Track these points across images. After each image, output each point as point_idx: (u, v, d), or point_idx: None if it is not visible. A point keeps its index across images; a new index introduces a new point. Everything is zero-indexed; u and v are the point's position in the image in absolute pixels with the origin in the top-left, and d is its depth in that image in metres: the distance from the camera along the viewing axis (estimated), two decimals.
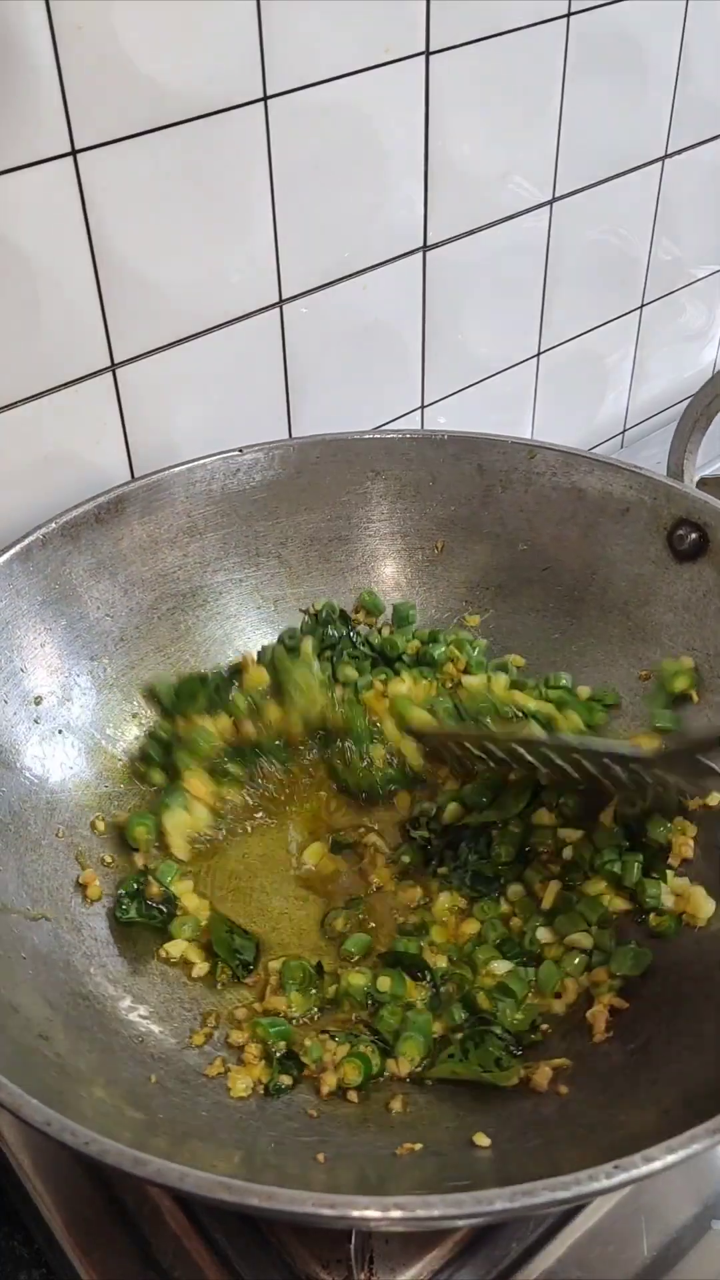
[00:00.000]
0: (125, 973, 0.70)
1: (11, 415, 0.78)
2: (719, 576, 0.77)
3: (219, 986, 0.71)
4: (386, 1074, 0.66)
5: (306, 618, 0.88)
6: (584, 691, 0.83)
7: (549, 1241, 0.63)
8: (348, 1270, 0.60)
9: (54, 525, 0.77)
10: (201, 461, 0.82)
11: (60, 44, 0.68)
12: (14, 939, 0.66)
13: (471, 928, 0.73)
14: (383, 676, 0.84)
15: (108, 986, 0.68)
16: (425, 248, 0.94)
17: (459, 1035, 0.67)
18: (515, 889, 0.75)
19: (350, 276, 0.91)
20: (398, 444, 0.87)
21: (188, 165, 0.77)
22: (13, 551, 0.75)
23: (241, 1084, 0.64)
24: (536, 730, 0.77)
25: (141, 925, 0.72)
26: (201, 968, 0.71)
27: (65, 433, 0.82)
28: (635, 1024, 0.66)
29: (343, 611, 0.88)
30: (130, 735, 0.81)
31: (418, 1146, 0.59)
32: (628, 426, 1.27)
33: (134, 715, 0.81)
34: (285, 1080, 0.64)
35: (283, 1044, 0.66)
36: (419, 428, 1.04)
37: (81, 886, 0.73)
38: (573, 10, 0.91)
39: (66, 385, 0.80)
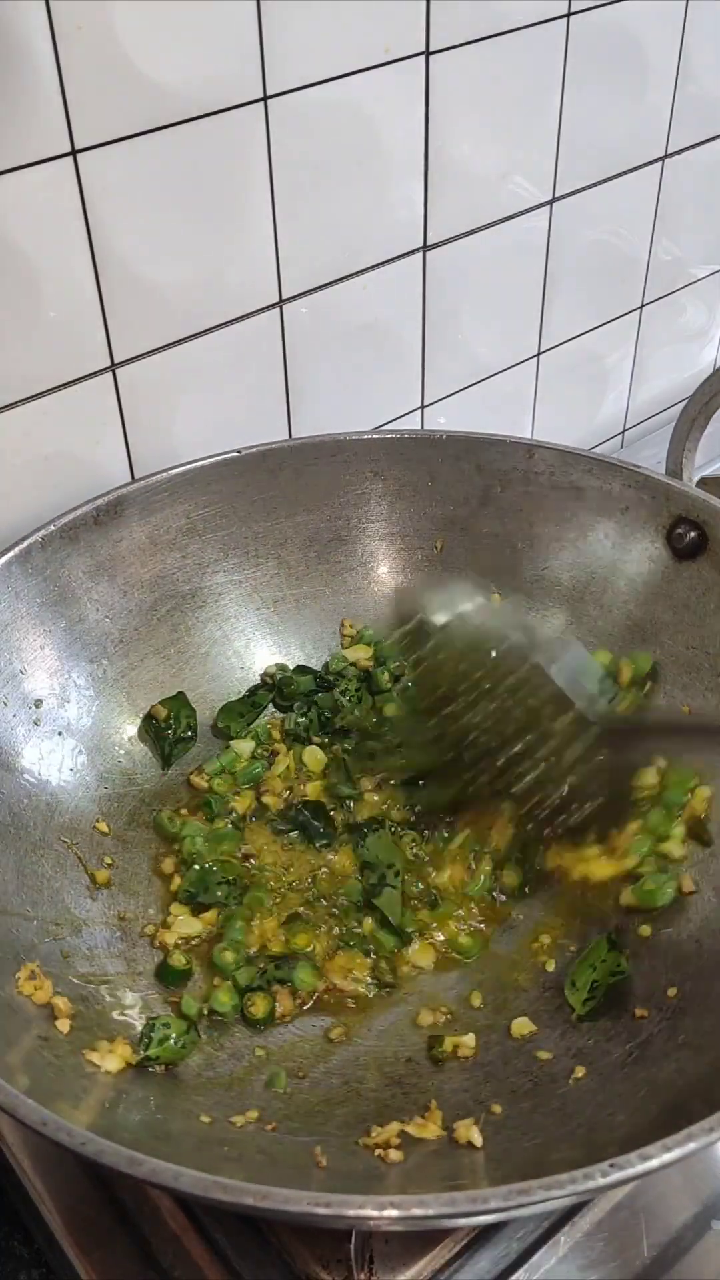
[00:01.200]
0: (125, 974, 0.70)
1: (11, 415, 0.78)
2: (718, 575, 0.77)
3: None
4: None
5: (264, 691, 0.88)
6: None
7: (549, 1241, 0.63)
8: (348, 1270, 0.60)
9: (53, 527, 0.77)
10: (200, 463, 0.82)
11: (60, 44, 0.68)
12: (14, 940, 0.66)
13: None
14: None
15: (107, 988, 0.68)
16: (425, 248, 0.94)
17: None
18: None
19: (350, 276, 0.91)
20: (397, 444, 0.87)
21: (188, 165, 0.77)
22: (12, 554, 0.75)
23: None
24: None
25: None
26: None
27: (65, 433, 0.82)
28: (635, 1023, 0.66)
29: (316, 675, 0.88)
30: (129, 737, 0.81)
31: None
32: (627, 426, 1.27)
33: (133, 717, 0.82)
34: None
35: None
36: (419, 428, 1.04)
37: (82, 888, 0.73)
38: (573, 10, 0.91)
39: (66, 385, 0.80)
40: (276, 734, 0.86)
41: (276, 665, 0.87)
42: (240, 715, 0.85)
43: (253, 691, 0.86)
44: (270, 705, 0.87)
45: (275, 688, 0.86)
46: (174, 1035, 0.65)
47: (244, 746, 0.84)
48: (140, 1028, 0.66)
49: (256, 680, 0.87)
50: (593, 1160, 0.47)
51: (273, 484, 0.85)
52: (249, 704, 0.86)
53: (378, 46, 0.82)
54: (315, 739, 0.85)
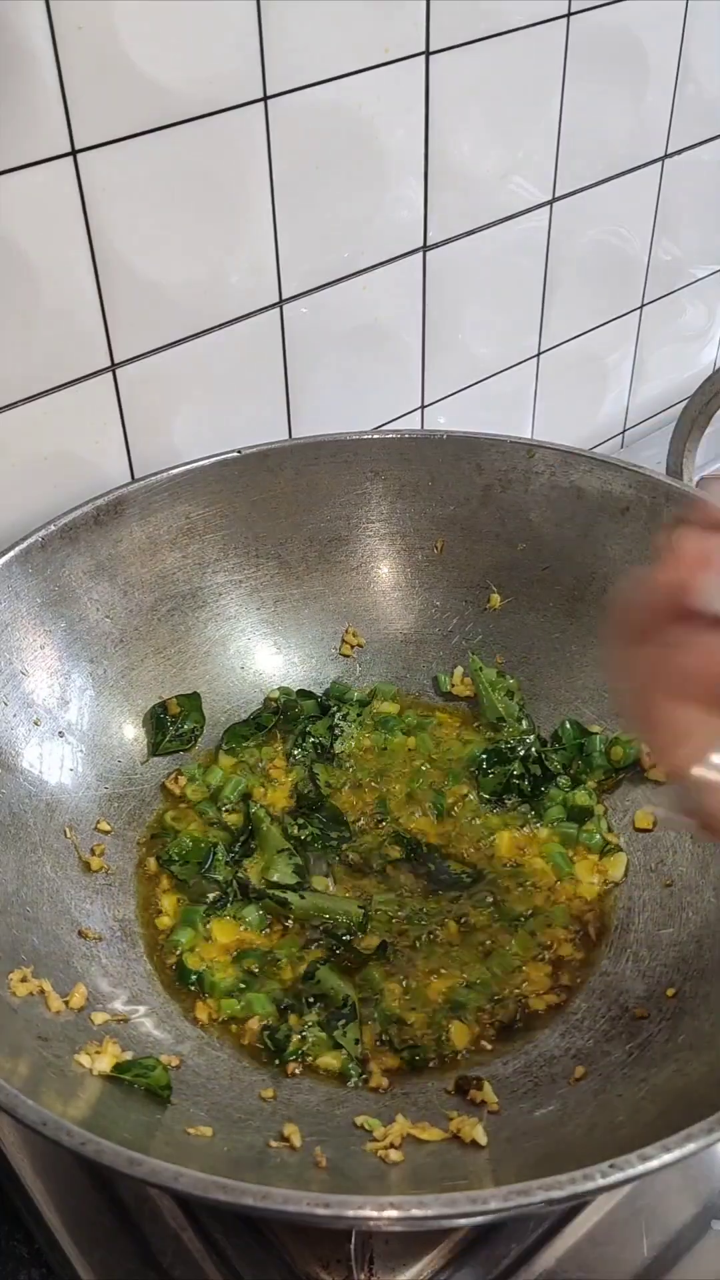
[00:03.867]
0: (124, 974, 0.70)
1: (11, 415, 0.78)
2: None
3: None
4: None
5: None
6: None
7: (549, 1241, 0.63)
8: (348, 1270, 0.60)
9: (53, 527, 0.77)
10: (200, 463, 0.82)
11: (60, 44, 0.68)
12: (14, 941, 0.66)
13: None
14: None
15: (107, 988, 0.68)
16: (425, 248, 0.94)
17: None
18: None
19: (350, 276, 0.90)
20: (397, 444, 0.87)
21: (188, 165, 0.77)
22: (12, 554, 0.75)
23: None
24: None
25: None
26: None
27: (65, 433, 0.82)
28: (635, 1023, 0.66)
29: (319, 699, 0.87)
30: (130, 737, 0.81)
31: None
32: (628, 426, 1.27)
33: (134, 717, 0.82)
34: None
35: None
36: (419, 428, 1.04)
37: (83, 889, 0.73)
38: (573, 10, 0.91)
39: (66, 385, 0.80)
40: (280, 760, 0.85)
41: (280, 689, 0.87)
42: (244, 738, 0.85)
43: (257, 715, 0.87)
44: (274, 728, 0.86)
45: (279, 711, 0.86)
46: (155, 1069, 0.63)
47: (226, 760, 0.84)
48: (133, 1020, 0.67)
49: (255, 679, 0.87)
50: (592, 1160, 0.47)
51: (273, 484, 0.85)
52: (253, 726, 0.86)
53: (378, 46, 0.82)
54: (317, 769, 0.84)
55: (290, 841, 0.78)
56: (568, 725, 0.83)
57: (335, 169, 0.85)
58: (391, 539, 0.89)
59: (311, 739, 0.85)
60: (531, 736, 0.84)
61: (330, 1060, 0.67)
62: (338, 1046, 0.67)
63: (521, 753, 0.82)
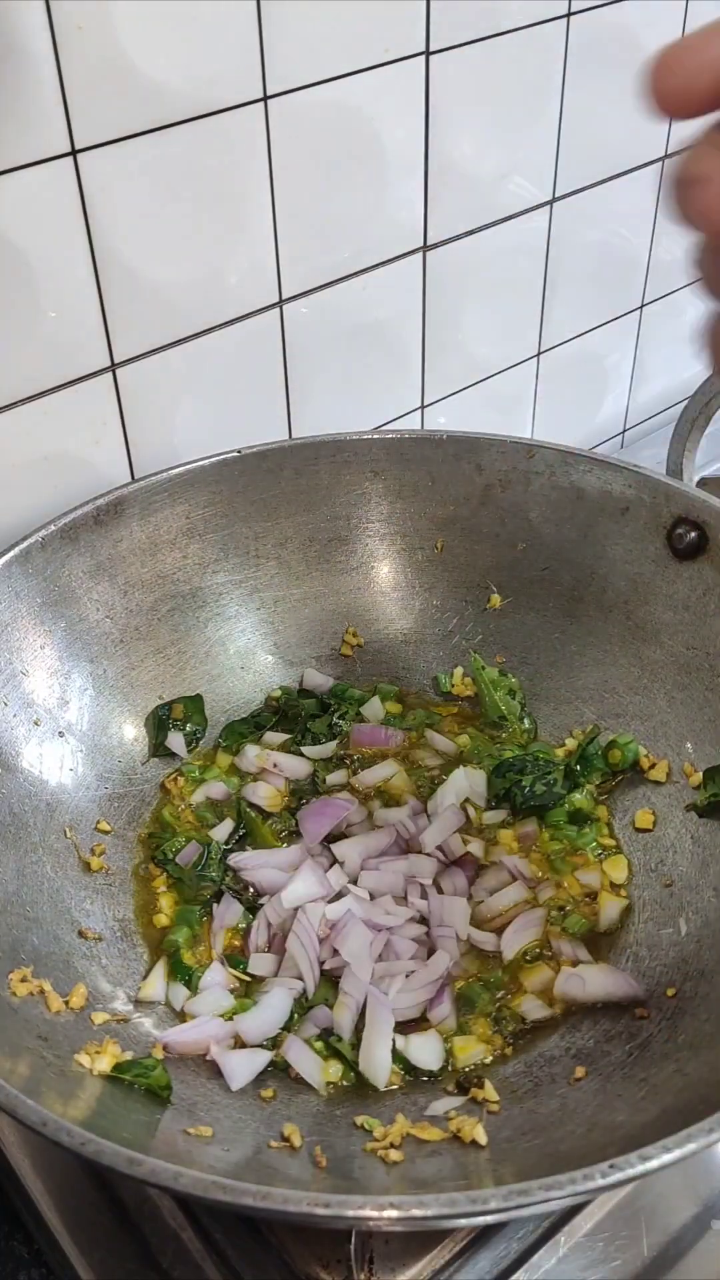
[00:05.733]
0: (124, 975, 0.70)
1: (11, 415, 0.78)
2: (718, 575, 0.77)
3: None
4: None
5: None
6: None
7: (549, 1241, 0.63)
8: (348, 1270, 0.60)
9: (53, 527, 0.77)
10: (200, 463, 0.82)
11: (60, 44, 0.68)
12: (14, 941, 0.66)
13: None
14: None
15: (107, 988, 0.68)
16: (425, 248, 0.94)
17: None
18: None
19: (350, 276, 0.91)
20: (397, 444, 0.87)
21: (188, 165, 0.77)
22: (12, 554, 0.75)
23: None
24: None
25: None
26: None
27: (65, 433, 0.82)
28: (635, 1023, 0.66)
29: (319, 698, 0.87)
30: (130, 737, 0.81)
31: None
32: (628, 426, 1.27)
33: (134, 717, 0.82)
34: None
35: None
36: (419, 428, 1.04)
37: (83, 889, 0.73)
38: (573, 10, 0.91)
39: (66, 385, 0.80)
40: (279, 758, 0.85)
41: (281, 689, 0.87)
42: (243, 736, 0.85)
43: (256, 714, 0.87)
44: (274, 726, 0.86)
45: (279, 710, 0.86)
46: (155, 1069, 0.63)
47: (224, 759, 0.84)
48: (131, 1020, 0.67)
49: (255, 679, 0.87)
50: (593, 1160, 0.47)
51: (273, 484, 0.85)
52: (252, 725, 0.86)
53: (377, 47, 0.82)
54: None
55: (282, 840, 0.78)
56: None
57: (335, 169, 0.85)
58: (391, 539, 0.89)
59: (312, 734, 0.85)
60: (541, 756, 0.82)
61: (327, 1075, 0.66)
62: (335, 1054, 0.67)
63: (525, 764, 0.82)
